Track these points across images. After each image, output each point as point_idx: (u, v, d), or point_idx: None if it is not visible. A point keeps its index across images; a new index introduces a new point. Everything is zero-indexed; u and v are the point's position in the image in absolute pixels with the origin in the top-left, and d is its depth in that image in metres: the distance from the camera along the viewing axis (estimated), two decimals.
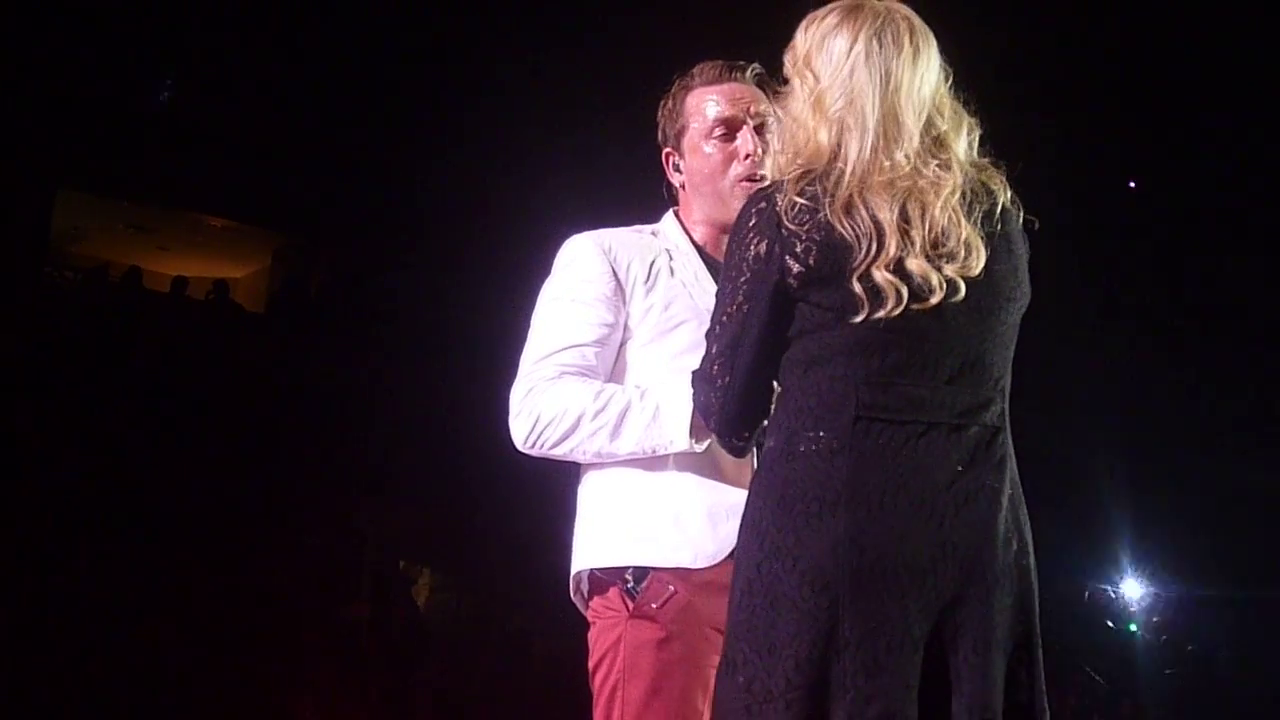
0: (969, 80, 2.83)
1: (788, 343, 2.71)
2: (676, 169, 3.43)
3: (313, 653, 12.18)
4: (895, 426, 2.59)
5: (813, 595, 2.53)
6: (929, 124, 2.72)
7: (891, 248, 2.59)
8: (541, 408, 3.17)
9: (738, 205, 3.20)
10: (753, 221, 2.71)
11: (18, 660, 10.77)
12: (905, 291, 2.58)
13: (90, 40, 14.92)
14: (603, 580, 3.19)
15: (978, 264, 2.64)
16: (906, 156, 2.66)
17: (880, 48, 2.70)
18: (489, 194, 15.00)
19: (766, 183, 2.78)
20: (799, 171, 2.69)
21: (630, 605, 3.11)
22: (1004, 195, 2.76)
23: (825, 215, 2.62)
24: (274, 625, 12.09)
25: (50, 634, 11.07)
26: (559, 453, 3.19)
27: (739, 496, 3.00)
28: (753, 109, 3.34)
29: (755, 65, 3.39)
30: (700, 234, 3.41)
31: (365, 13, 14.63)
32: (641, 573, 3.13)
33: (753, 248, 2.69)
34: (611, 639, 3.15)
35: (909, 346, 2.61)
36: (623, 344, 3.27)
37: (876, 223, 2.60)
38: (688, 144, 3.38)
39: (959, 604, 2.56)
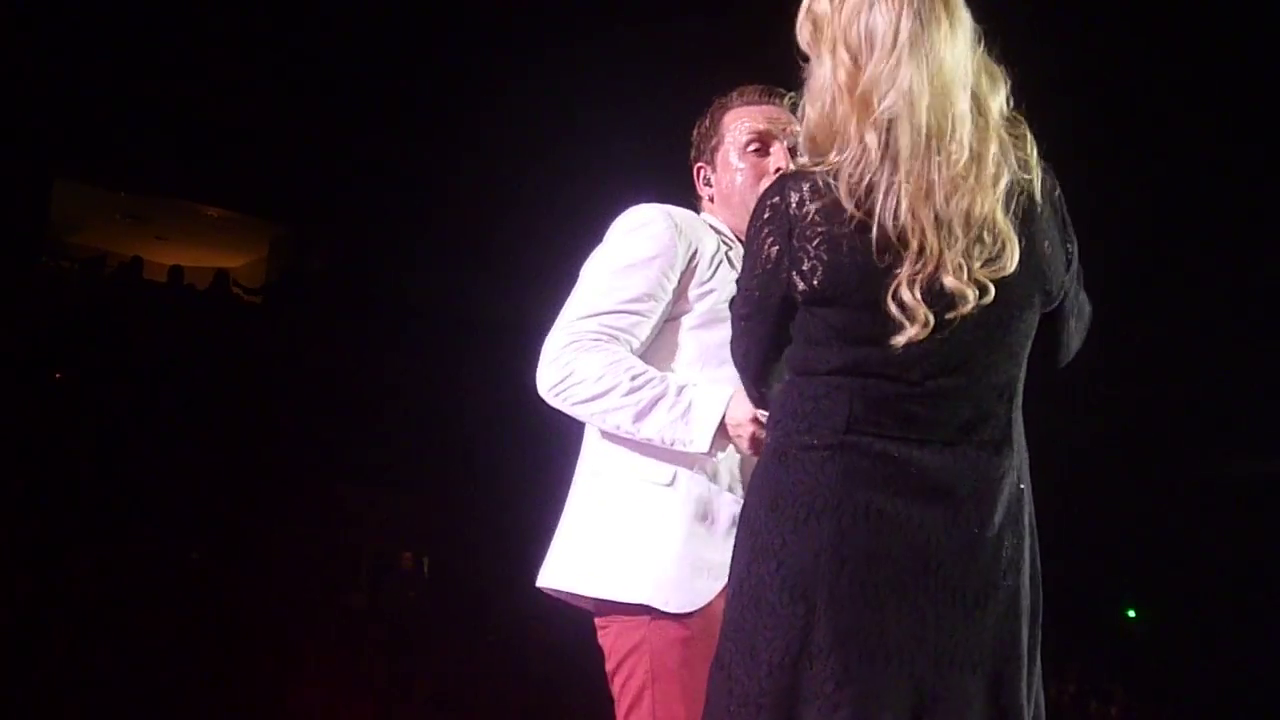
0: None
1: (794, 344, 2.67)
2: (706, 182, 3.46)
3: (312, 641, 12.19)
4: (887, 441, 2.54)
5: (791, 601, 2.51)
6: (973, 108, 2.56)
7: (929, 265, 2.49)
8: (578, 364, 3.16)
9: None
10: (766, 215, 2.62)
11: (18, 651, 10.78)
12: (932, 318, 2.49)
13: (87, 30, 14.91)
14: None
15: (1011, 262, 2.54)
16: (961, 144, 2.52)
17: (924, 28, 2.52)
18: (486, 182, 15.01)
19: (797, 170, 2.65)
20: (821, 164, 2.58)
21: (654, 607, 3.11)
22: (1037, 171, 2.63)
23: (841, 226, 2.52)
24: (273, 613, 12.10)
25: (50, 624, 11.09)
26: (577, 411, 3.19)
27: (725, 555, 2.98)
28: (789, 129, 3.33)
29: (794, 94, 3.36)
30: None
31: (360, 5, 14.62)
32: None
33: (765, 246, 2.62)
34: (634, 641, 3.14)
35: (908, 363, 2.53)
36: (671, 319, 3.26)
37: (912, 232, 2.49)
38: (721, 158, 3.41)
39: (943, 619, 2.52)
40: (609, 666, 3.21)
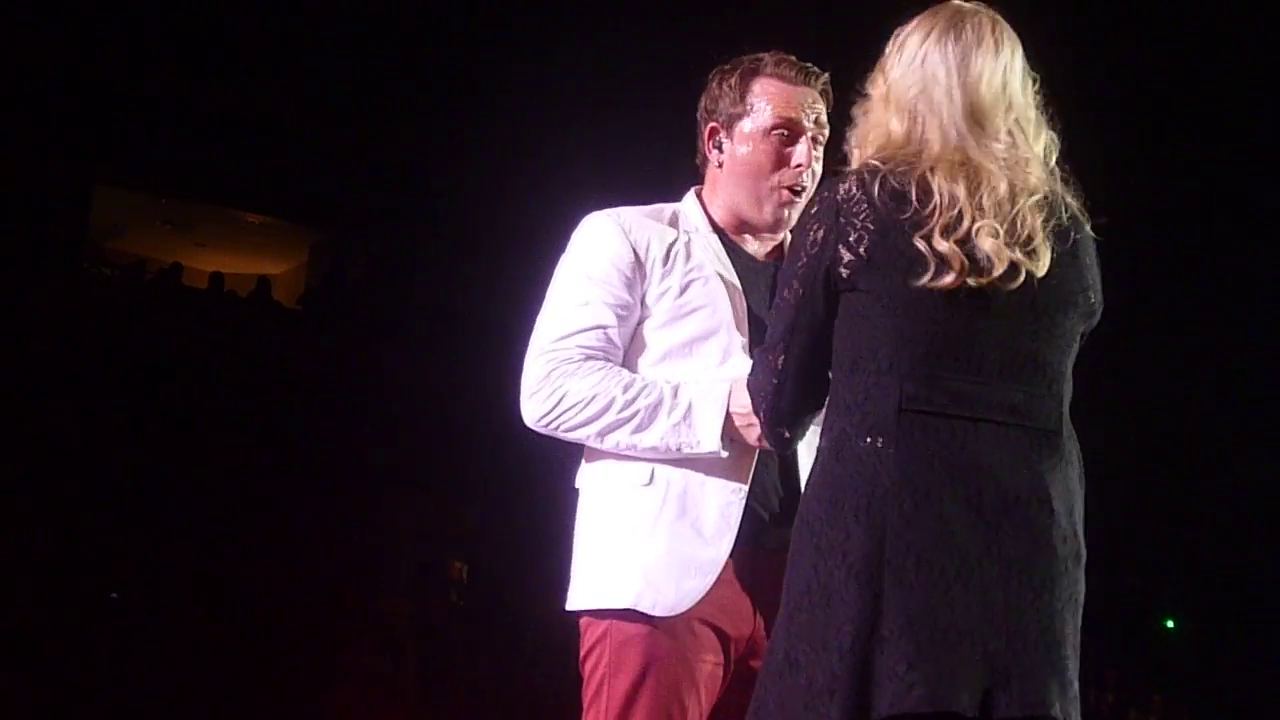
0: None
1: (836, 337, 2.70)
2: (719, 148, 3.32)
3: (351, 646, 12.23)
4: (941, 420, 2.58)
5: (858, 588, 2.53)
6: (1013, 120, 2.69)
7: (964, 220, 2.58)
8: (567, 389, 3.11)
9: (769, 209, 3.26)
10: (815, 209, 2.73)
11: (55, 653, 10.84)
12: (967, 264, 2.56)
13: (129, 36, 14.98)
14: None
15: (1043, 266, 2.61)
16: (994, 142, 2.65)
17: (956, 37, 2.68)
18: (524, 192, 15.02)
19: (842, 171, 2.75)
20: (864, 161, 2.70)
21: (641, 611, 3.08)
22: (1080, 214, 2.73)
23: (883, 197, 2.61)
24: (313, 618, 12.14)
25: (91, 628, 11.14)
26: (574, 436, 3.16)
27: (715, 552, 3.06)
28: (819, 119, 3.28)
29: (826, 75, 3.32)
30: (720, 218, 3.33)
31: (400, 11, 14.66)
32: None
33: (811, 233, 2.69)
34: (600, 630, 3.13)
35: (954, 338, 2.59)
36: (637, 324, 3.21)
37: (944, 195, 2.59)
38: (742, 130, 3.27)
39: (1011, 605, 2.55)
40: (581, 651, 3.20)
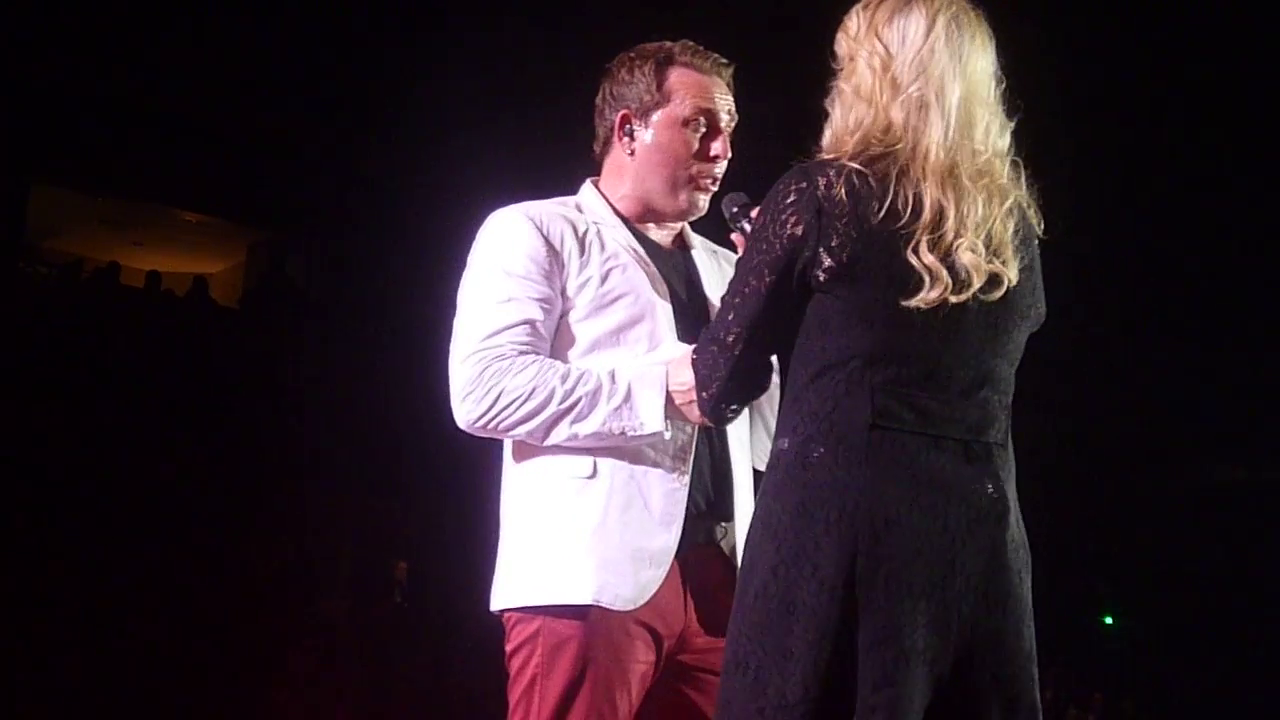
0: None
1: (803, 335, 2.68)
2: (630, 135, 3.28)
3: (291, 647, 12.16)
4: (909, 437, 2.59)
5: (831, 604, 2.53)
6: (988, 120, 2.69)
7: (948, 233, 2.58)
8: (504, 386, 3.04)
9: (684, 197, 3.25)
10: (791, 199, 2.64)
11: None
12: (948, 278, 2.56)
13: (66, 35, 14.88)
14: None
15: (1013, 273, 2.64)
16: (983, 147, 2.65)
17: (958, 32, 2.67)
18: (466, 189, 14.98)
19: (819, 160, 2.69)
20: (851, 152, 2.65)
21: (604, 606, 3.03)
22: (1031, 208, 2.75)
23: (869, 202, 2.59)
24: (253, 620, 12.07)
25: (28, 629, 11.05)
26: (515, 434, 3.10)
27: (666, 539, 3.04)
28: (731, 110, 3.29)
29: (733, 66, 3.33)
30: (624, 207, 3.31)
31: (341, 7, 14.61)
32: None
33: (789, 226, 2.63)
34: (530, 630, 3.08)
35: (926, 356, 2.60)
36: (560, 316, 3.16)
37: (934, 205, 2.58)
38: (657, 119, 3.25)
39: (968, 620, 2.58)
40: (507, 649, 3.15)
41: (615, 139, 3.32)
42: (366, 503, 14.88)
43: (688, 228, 3.42)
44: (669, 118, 3.25)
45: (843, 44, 2.77)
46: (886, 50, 2.68)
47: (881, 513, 2.54)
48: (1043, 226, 2.77)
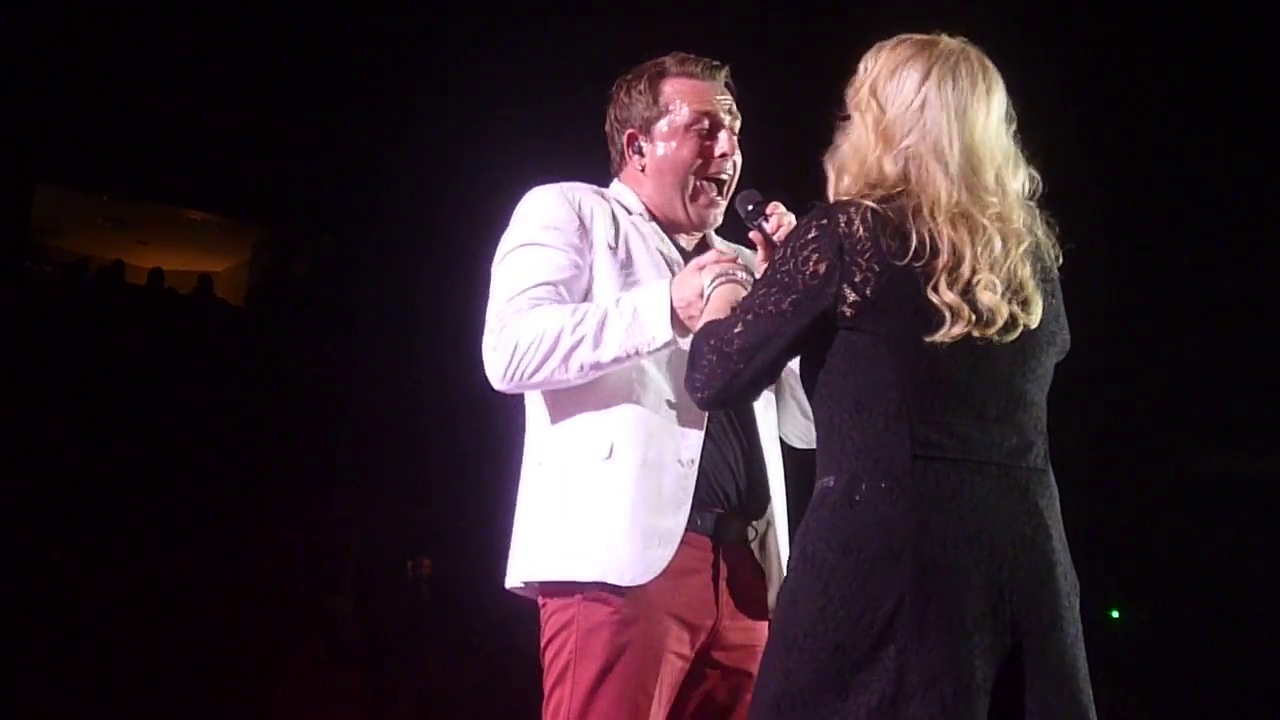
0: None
1: (835, 373, 2.71)
2: (639, 152, 3.39)
3: (295, 645, 12.18)
4: (950, 465, 2.62)
5: (881, 645, 2.55)
6: (999, 164, 2.73)
7: (965, 271, 2.61)
8: (518, 335, 3.10)
9: (695, 208, 3.34)
10: (812, 234, 2.69)
11: (0, 649, 10.77)
12: (970, 315, 2.60)
13: (70, 34, 14.88)
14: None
15: (1035, 317, 2.68)
16: (986, 194, 2.68)
17: (954, 83, 2.71)
18: (472, 184, 14.97)
19: (837, 201, 2.75)
20: (857, 196, 2.70)
21: (609, 583, 3.08)
22: (1053, 246, 2.80)
23: (887, 241, 2.62)
24: (257, 617, 12.09)
25: (31, 628, 11.07)
26: (540, 378, 3.13)
27: (674, 521, 3.09)
28: (731, 109, 3.37)
29: (727, 68, 3.41)
30: (650, 208, 3.41)
31: (341, 5, 14.60)
32: None
33: (811, 264, 2.67)
34: (565, 618, 3.12)
35: (959, 383, 2.64)
36: (584, 292, 3.23)
37: (951, 245, 2.62)
38: (661, 130, 3.35)
39: (1021, 647, 2.60)
40: (541, 640, 3.19)
41: (627, 159, 3.42)
42: (372, 500, 14.88)
43: (711, 233, 3.48)
44: (671, 127, 3.35)
45: (849, 95, 2.83)
46: (880, 107, 2.74)
47: (927, 550, 2.57)
48: (1061, 261, 2.82)
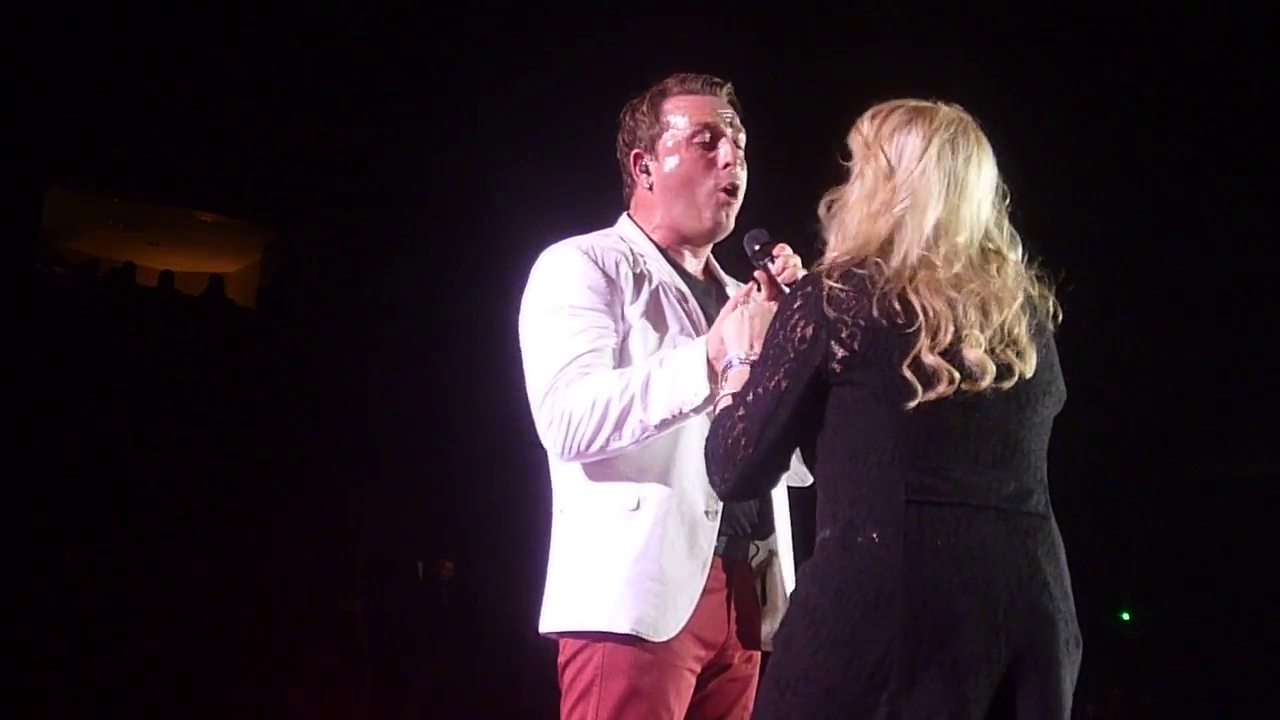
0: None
1: (829, 429, 2.72)
2: (646, 171, 3.42)
3: (308, 643, 12.20)
4: (946, 509, 2.61)
5: (870, 690, 2.55)
6: (986, 235, 2.77)
7: (947, 336, 2.62)
8: (570, 408, 3.11)
9: (709, 214, 3.36)
10: (798, 304, 2.71)
11: (13, 653, 10.78)
12: (957, 375, 2.61)
13: (81, 36, 14.91)
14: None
15: (1030, 366, 2.69)
16: (957, 260, 2.70)
17: (953, 154, 2.75)
18: (481, 185, 15.00)
19: (818, 269, 2.77)
20: (846, 259, 2.72)
21: (642, 637, 3.10)
22: (1051, 305, 2.83)
23: (870, 302, 2.64)
24: (270, 616, 12.11)
25: (45, 628, 11.09)
26: (597, 447, 3.13)
27: (695, 576, 3.13)
28: (734, 121, 3.40)
29: (729, 84, 3.44)
30: (659, 237, 3.42)
31: (356, 6, 14.61)
32: None
33: (799, 330, 2.69)
34: (585, 647, 3.14)
35: (953, 430, 2.64)
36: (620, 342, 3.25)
37: (928, 311, 2.63)
38: (664, 147, 3.38)
39: (1016, 690, 2.60)
40: (561, 659, 3.21)
41: (635, 179, 3.44)
42: (383, 501, 14.90)
43: (714, 262, 3.52)
44: (674, 141, 3.38)
45: (854, 147, 2.86)
46: (889, 165, 2.77)
47: (920, 593, 2.56)
48: (1060, 318, 2.85)
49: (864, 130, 2.84)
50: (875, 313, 2.63)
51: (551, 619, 3.23)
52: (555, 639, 3.25)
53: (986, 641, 2.57)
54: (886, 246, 2.70)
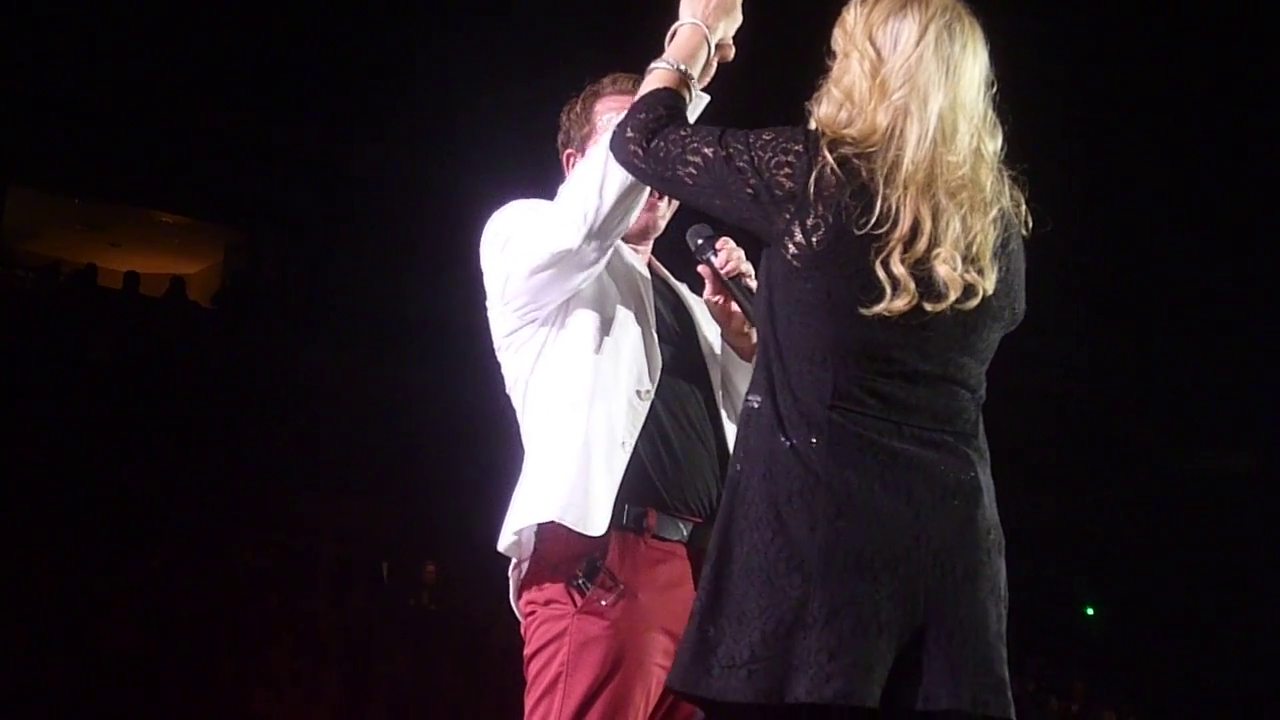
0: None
1: (778, 291, 2.67)
2: None
3: (270, 646, 12.15)
4: (870, 420, 2.60)
5: (786, 572, 2.55)
6: (976, 127, 2.70)
7: (922, 245, 2.58)
8: (566, 196, 3.08)
9: (636, 214, 3.23)
10: (799, 148, 2.65)
11: None
12: (916, 289, 2.57)
13: (39, 37, 14.85)
14: (547, 576, 3.14)
15: (990, 280, 2.65)
16: (961, 159, 2.65)
17: (950, 40, 2.69)
18: (438, 184, 14.98)
19: (823, 134, 2.67)
20: (850, 147, 2.64)
21: (579, 601, 3.06)
22: (1020, 208, 2.76)
23: (848, 204, 2.59)
24: (231, 619, 12.06)
25: (7, 629, 11.03)
26: (619, 206, 3.04)
27: (608, 487, 3.06)
28: None
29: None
30: None
31: (312, 8, 14.59)
32: (592, 569, 3.07)
33: (781, 172, 2.64)
34: (555, 630, 3.09)
35: (891, 347, 2.62)
36: (545, 324, 3.20)
37: (910, 217, 2.59)
38: (592, 147, 3.29)
39: (933, 594, 2.58)
40: (527, 652, 3.16)
41: (569, 175, 3.36)
42: (345, 502, 14.87)
43: (656, 261, 3.46)
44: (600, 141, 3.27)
45: (838, 39, 2.77)
46: (878, 54, 2.70)
47: (843, 488, 2.56)
48: (1031, 226, 2.78)
49: (849, 20, 2.77)
50: (853, 210, 2.58)
51: (502, 536, 3.18)
52: (525, 620, 3.20)
53: (907, 544, 2.56)
54: (887, 140, 2.64)
